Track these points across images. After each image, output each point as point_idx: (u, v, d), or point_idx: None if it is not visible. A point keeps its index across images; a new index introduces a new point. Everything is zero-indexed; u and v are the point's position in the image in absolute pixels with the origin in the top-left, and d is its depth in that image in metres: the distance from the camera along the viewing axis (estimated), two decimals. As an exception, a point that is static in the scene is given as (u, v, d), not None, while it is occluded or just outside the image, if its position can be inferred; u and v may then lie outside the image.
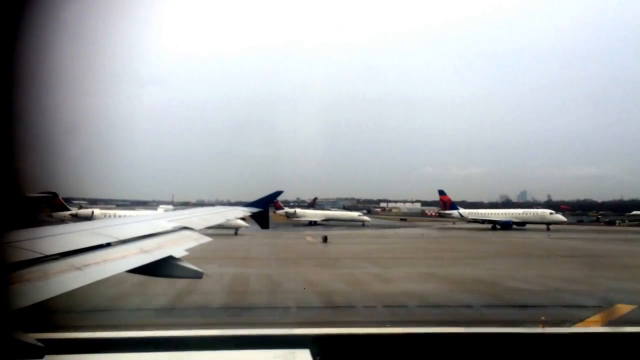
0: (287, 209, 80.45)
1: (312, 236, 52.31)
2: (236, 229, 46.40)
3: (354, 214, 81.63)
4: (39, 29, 3.40)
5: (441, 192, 77.56)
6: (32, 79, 3.41)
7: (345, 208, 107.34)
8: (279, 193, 15.66)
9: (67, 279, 3.23)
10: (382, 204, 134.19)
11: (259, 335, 4.29)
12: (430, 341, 4.38)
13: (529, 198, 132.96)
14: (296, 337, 4.14)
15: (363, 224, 72.70)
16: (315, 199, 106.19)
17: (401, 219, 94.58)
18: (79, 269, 3.45)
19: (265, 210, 13.80)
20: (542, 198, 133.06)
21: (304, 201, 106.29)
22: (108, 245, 4.39)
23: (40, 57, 3.55)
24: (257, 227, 13.09)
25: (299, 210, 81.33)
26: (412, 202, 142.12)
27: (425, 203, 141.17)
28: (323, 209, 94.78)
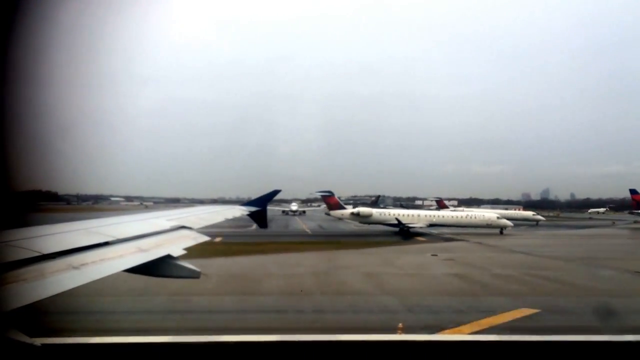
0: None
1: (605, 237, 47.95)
2: (502, 228, 48.10)
3: (529, 213, 77.17)
4: (34, 28, 3.37)
5: (633, 192, 76.78)
6: (29, 78, 3.38)
7: (401, 205, 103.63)
8: (277, 192, 15.61)
9: (64, 278, 3.20)
10: (417, 202, 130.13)
11: None
12: None
13: (551, 196, 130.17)
14: None
15: (537, 223, 69.56)
16: (379, 197, 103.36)
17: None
18: (76, 268, 3.42)
19: (263, 209, 13.73)
20: (565, 196, 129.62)
21: (362, 198, 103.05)
22: (106, 244, 4.37)
23: (37, 56, 3.52)
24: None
25: (457, 210, 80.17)
26: (448, 200, 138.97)
27: (461, 202, 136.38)
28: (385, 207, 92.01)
